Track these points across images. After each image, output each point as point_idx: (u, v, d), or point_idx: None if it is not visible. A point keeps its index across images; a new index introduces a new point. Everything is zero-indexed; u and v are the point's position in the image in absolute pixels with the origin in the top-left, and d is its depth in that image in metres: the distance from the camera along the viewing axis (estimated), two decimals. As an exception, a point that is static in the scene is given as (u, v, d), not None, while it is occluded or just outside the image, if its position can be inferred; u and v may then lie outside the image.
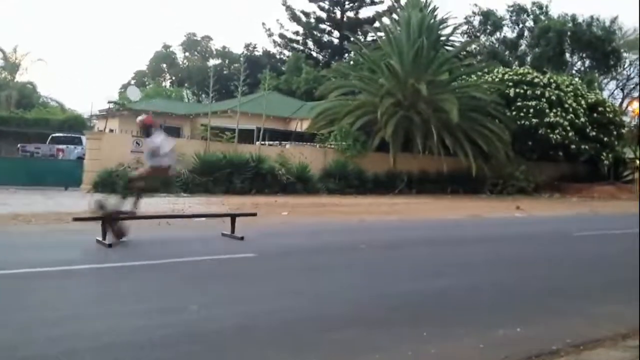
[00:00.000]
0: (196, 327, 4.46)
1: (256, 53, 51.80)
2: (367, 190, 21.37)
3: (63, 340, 4.05)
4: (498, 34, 41.37)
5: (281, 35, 49.51)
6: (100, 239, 7.97)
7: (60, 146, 22.95)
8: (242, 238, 8.90)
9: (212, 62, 51.88)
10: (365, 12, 48.32)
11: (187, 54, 58.22)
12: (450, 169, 22.84)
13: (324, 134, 22.92)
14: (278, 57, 50.54)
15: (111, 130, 25.67)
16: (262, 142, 22.78)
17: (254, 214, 10.70)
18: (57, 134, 24.40)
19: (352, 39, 30.42)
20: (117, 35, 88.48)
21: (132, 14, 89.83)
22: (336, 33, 48.56)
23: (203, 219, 11.02)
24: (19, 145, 23.27)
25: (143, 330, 4.36)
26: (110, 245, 7.79)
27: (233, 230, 9.16)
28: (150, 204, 13.88)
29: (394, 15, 28.88)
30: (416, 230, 12.12)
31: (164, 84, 55.40)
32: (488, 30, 40.99)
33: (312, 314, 5.03)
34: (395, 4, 43.65)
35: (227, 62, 53.48)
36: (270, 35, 50.12)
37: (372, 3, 47.91)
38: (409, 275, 7.08)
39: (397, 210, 15.66)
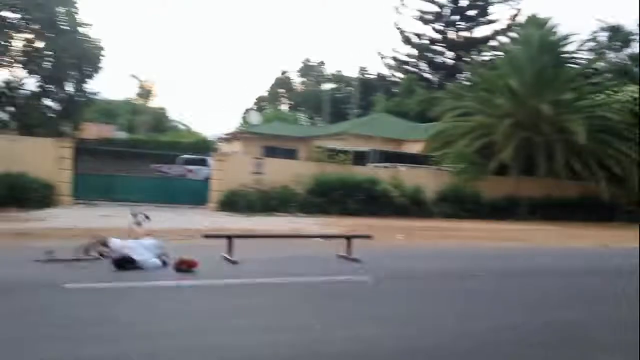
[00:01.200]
0: (314, 348, 4.58)
1: (368, 76, 52.44)
2: (484, 215, 20.58)
3: (189, 352, 4.34)
4: (628, 49, 38.19)
5: (394, 58, 49.73)
6: (226, 255, 8.49)
7: (190, 167, 24.77)
8: (358, 260, 9.01)
9: (326, 86, 53.32)
10: (480, 32, 47.22)
11: (303, 79, 60.52)
12: (577, 194, 21.37)
13: (439, 156, 22.54)
14: (390, 79, 50.75)
15: (234, 152, 27.22)
16: (376, 164, 22.89)
17: (370, 237, 10.76)
18: (186, 155, 26.30)
19: (466, 59, 29.77)
20: (243, 64, 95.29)
21: (256, 45, 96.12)
22: (450, 54, 47.81)
23: (320, 239, 11.30)
24: (153, 165, 25.30)
25: (265, 346, 4.57)
26: (235, 262, 8.26)
27: (349, 252, 9.30)
28: (271, 223, 14.59)
29: (512, 34, 27.88)
30: (540, 258, 11.46)
31: (281, 107, 57.95)
32: (616, 46, 38.00)
33: (426, 343, 4.93)
34: (513, 22, 42.24)
35: (340, 85, 54.72)
36: (383, 57, 50.59)
37: (488, 22, 46.68)
38: (532, 305, 6.71)
39: (518, 237, 14.92)
